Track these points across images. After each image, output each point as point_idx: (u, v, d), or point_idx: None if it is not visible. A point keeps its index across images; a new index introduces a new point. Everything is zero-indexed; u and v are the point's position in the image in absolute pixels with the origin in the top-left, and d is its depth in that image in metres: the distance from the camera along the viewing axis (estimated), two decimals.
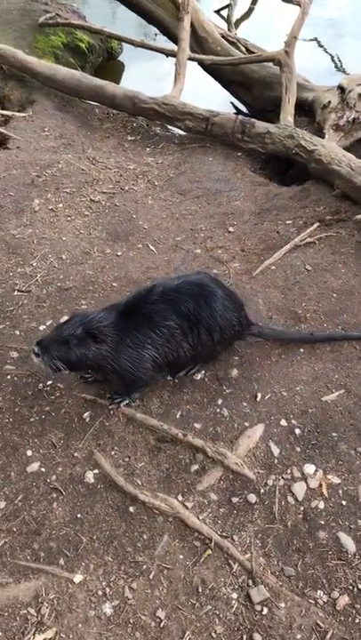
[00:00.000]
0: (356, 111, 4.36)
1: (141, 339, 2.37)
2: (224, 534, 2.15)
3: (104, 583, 2.05)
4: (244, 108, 5.54)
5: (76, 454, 2.39)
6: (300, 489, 2.26)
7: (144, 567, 2.08)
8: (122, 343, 2.35)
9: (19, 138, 4.41)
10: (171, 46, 5.32)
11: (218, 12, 7.48)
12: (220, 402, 2.55)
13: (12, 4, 6.33)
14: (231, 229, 3.63)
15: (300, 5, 4.70)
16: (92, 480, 2.31)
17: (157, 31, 6.04)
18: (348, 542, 2.13)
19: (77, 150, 4.33)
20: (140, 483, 2.29)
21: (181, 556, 2.10)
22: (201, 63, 5.17)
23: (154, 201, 3.87)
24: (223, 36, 5.41)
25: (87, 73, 5.87)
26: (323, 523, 2.18)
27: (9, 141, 4.41)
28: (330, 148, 3.92)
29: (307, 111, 4.74)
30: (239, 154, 4.35)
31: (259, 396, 2.56)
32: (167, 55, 5.16)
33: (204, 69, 5.33)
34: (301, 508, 2.22)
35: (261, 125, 4.26)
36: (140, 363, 2.39)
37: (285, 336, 2.80)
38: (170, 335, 2.40)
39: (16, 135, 4.42)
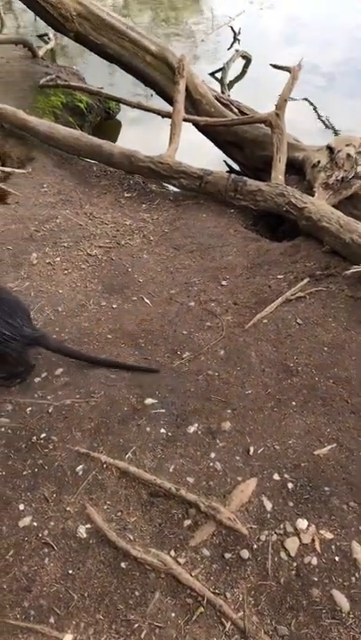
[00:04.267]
0: (345, 170, 4.52)
1: None
2: (217, 591, 2.13)
3: None
4: (236, 167, 5.73)
5: (68, 508, 2.38)
6: (292, 544, 2.26)
7: (135, 626, 2.05)
8: None
9: (18, 194, 4.54)
10: (166, 107, 5.54)
11: (212, 74, 7.83)
12: (213, 455, 2.56)
13: (15, 67, 6.63)
14: (224, 283, 3.71)
15: (290, 72, 4.94)
16: (85, 535, 2.30)
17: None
18: (341, 600, 2.11)
19: (75, 206, 4.45)
20: (132, 538, 2.28)
21: (173, 614, 2.08)
22: (196, 124, 5.38)
23: (149, 255, 3.97)
24: (217, 98, 5.64)
25: (86, 132, 6.09)
26: (316, 579, 2.16)
27: (8, 197, 4.54)
28: (319, 205, 4.05)
29: (297, 170, 4.90)
30: (232, 210, 4.48)
31: (252, 449, 2.58)
32: (163, 116, 5.37)
33: (199, 130, 5.54)
34: (294, 564, 2.20)
35: (253, 184, 4.41)
36: None
37: (68, 352, 3.01)
38: None
39: (15, 191, 4.55)
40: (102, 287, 3.65)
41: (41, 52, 7.16)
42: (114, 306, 3.49)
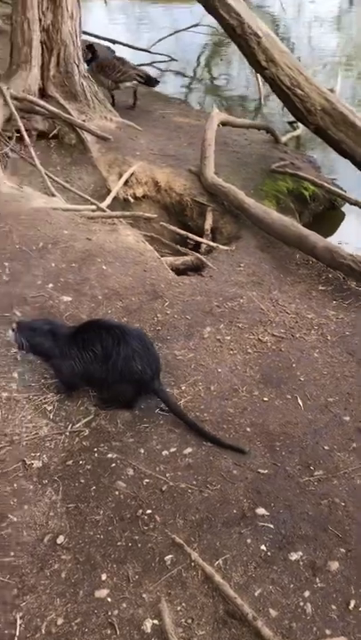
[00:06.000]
0: None
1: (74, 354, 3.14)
2: None
3: None
4: None
5: (144, 595, 2.33)
6: None
7: None
8: (64, 351, 3.15)
9: (214, 268, 4.75)
10: None
11: None
12: (306, 594, 2.30)
13: (255, 149, 7.03)
14: None
15: None
16: (149, 630, 2.22)
17: None
18: None
19: (263, 290, 4.48)
20: None
21: None
22: None
23: (319, 355, 3.80)
24: None
25: (305, 219, 6.22)
26: None
27: (205, 269, 4.78)
28: None
29: None
30: None
31: (352, 603, 2.27)
32: None
33: None
34: None
35: None
36: (69, 371, 3.19)
37: (176, 411, 3.17)
38: (91, 358, 3.11)
39: (213, 265, 4.77)
40: (260, 376, 3.58)
41: (284, 138, 7.48)
42: (265, 399, 3.40)
